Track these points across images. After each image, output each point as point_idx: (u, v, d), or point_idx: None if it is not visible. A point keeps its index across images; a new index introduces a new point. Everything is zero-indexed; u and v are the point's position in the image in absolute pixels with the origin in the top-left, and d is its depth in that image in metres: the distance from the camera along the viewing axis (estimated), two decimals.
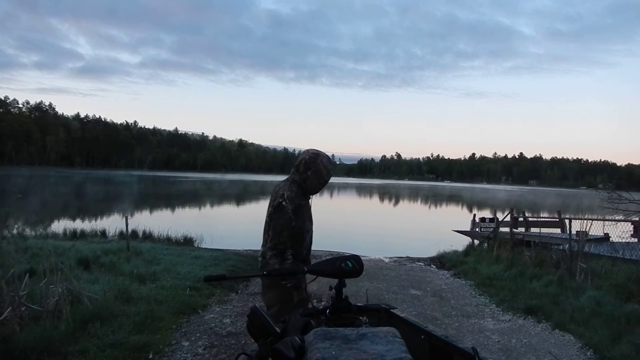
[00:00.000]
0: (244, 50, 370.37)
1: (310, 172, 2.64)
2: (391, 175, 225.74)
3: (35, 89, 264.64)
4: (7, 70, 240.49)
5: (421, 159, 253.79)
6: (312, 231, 2.77)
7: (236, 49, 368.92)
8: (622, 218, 9.92)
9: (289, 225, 2.54)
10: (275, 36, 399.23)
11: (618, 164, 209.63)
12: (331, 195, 58.65)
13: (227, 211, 29.95)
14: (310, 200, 2.77)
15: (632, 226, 12.09)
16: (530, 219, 15.86)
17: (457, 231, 16.60)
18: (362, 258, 1.91)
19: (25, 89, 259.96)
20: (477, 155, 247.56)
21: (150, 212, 24.19)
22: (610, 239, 12.07)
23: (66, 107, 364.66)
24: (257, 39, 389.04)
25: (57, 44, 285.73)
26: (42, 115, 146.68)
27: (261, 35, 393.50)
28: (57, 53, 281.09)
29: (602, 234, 12.51)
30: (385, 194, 65.96)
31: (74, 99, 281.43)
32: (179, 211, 27.06)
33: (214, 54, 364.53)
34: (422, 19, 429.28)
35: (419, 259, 10.45)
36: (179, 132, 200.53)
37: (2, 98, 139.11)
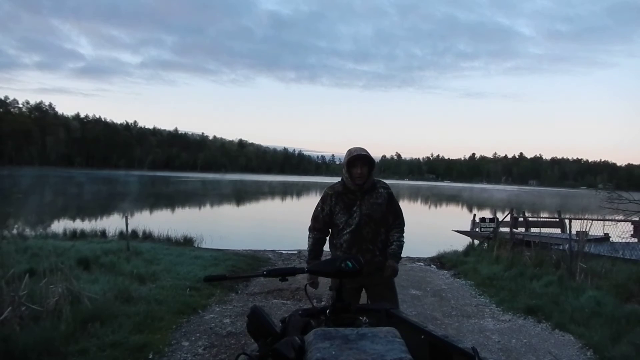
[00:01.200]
0: (244, 51, 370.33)
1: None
2: (391, 175, 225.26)
3: (37, 89, 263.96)
4: (8, 71, 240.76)
5: (421, 159, 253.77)
6: (353, 226, 2.84)
7: (237, 50, 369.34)
8: (622, 218, 9.93)
9: (315, 209, 2.99)
10: (276, 37, 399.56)
11: (618, 164, 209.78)
12: None
13: (227, 211, 29.94)
14: (373, 197, 2.89)
15: (632, 226, 12.09)
16: (530, 219, 15.85)
17: (457, 231, 16.60)
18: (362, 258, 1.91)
19: (27, 89, 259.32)
20: (477, 155, 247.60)
21: (150, 212, 24.19)
22: (610, 239, 12.07)
23: (67, 107, 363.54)
24: (258, 40, 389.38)
25: (58, 44, 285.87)
26: (42, 115, 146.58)
27: (262, 36, 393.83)
28: (58, 53, 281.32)
29: (602, 234, 12.51)
30: None
31: (75, 99, 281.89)
32: (179, 211, 27.06)
33: (214, 54, 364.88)
34: (422, 20, 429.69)
35: (418, 259, 10.44)
36: (179, 132, 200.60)
37: (2, 98, 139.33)
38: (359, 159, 2.80)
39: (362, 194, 2.86)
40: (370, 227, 2.86)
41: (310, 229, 3.00)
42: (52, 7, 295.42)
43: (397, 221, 3.00)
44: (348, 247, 2.85)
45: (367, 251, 2.83)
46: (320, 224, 2.96)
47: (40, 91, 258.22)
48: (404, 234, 3.01)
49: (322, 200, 2.94)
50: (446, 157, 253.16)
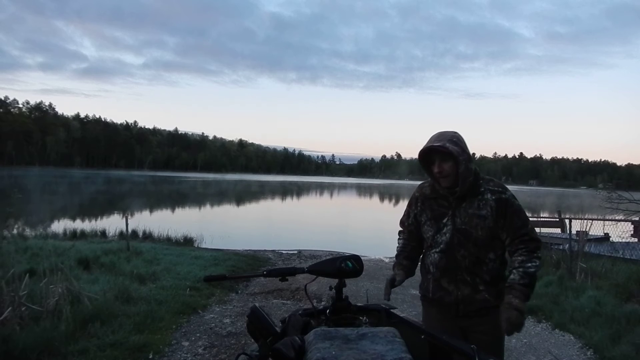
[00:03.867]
0: (246, 52, 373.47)
1: None
2: (391, 175, 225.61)
3: (39, 90, 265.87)
4: (11, 72, 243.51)
5: None
6: (442, 245, 2.02)
7: (239, 51, 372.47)
8: (622, 218, 9.92)
9: (404, 212, 2.26)
10: (278, 38, 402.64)
11: (618, 164, 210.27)
12: (331, 196, 58.62)
13: (227, 211, 29.93)
14: (458, 204, 2.01)
15: (632, 226, 12.09)
16: (530, 219, 15.83)
17: None
18: (362, 258, 1.91)
19: (29, 89, 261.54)
20: (477, 155, 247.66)
21: (150, 212, 24.17)
22: (611, 238, 12.06)
23: (69, 108, 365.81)
24: (260, 41, 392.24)
25: (61, 45, 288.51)
26: (42, 115, 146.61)
27: (264, 37, 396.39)
28: (61, 54, 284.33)
29: (602, 233, 12.51)
30: (385, 193, 65.95)
31: (77, 99, 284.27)
32: (179, 211, 27.04)
33: (216, 55, 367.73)
34: (422, 22, 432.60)
35: None
36: (179, 132, 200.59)
37: (2, 98, 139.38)
38: (435, 151, 1.95)
39: (457, 200, 2.00)
40: (467, 250, 1.97)
41: (398, 233, 2.30)
42: (56, 8, 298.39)
43: (520, 235, 1.96)
44: (439, 274, 2.04)
45: (464, 283, 1.98)
46: (406, 232, 2.24)
47: (42, 92, 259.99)
48: (537, 257, 1.94)
49: (409, 204, 2.23)
50: None
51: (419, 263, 2.21)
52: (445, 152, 1.92)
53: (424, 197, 2.12)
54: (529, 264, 1.90)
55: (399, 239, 2.27)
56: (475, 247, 1.96)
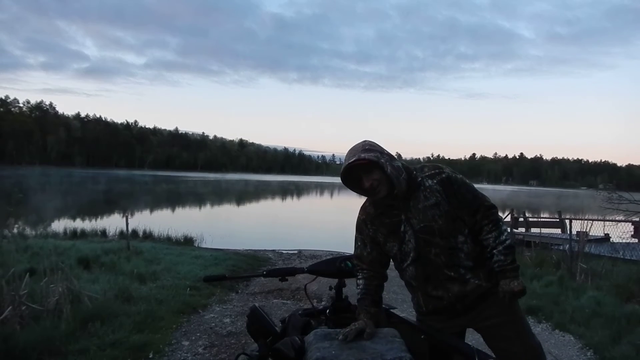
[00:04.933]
0: (248, 52, 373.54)
1: None
2: None
3: (41, 89, 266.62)
4: (13, 71, 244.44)
5: (422, 159, 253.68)
6: (412, 254, 1.88)
7: (240, 51, 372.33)
8: (623, 218, 9.92)
9: (355, 244, 2.01)
10: (279, 39, 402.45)
11: (618, 165, 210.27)
12: (331, 195, 58.61)
13: (227, 211, 29.94)
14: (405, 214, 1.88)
15: (633, 227, 12.09)
16: (530, 219, 15.85)
17: None
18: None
19: (31, 89, 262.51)
20: (478, 156, 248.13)
21: (151, 212, 24.18)
22: (611, 239, 12.07)
23: (70, 108, 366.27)
24: (261, 42, 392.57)
25: (63, 45, 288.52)
26: (43, 114, 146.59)
27: (265, 38, 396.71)
28: (63, 54, 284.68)
29: (602, 234, 12.51)
30: None
31: (78, 99, 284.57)
32: (180, 211, 27.05)
33: (218, 55, 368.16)
34: (424, 22, 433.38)
35: None
36: (180, 132, 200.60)
37: (3, 97, 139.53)
38: (355, 169, 1.82)
39: (403, 202, 1.88)
40: (437, 246, 1.86)
41: (357, 271, 1.98)
42: (59, 9, 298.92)
43: (481, 212, 1.91)
44: (423, 285, 1.93)
45: (450, 281, 1.87)
46: (366, 268, 1.95)
47: (44, 91, 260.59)
48: (502, 226, 1.92)
49: (359, 231, 2.00)
50: (447, 157, 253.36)
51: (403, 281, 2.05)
52: (364, 163, 1.79)
53: (372, 217, 1.95)
54: (503, 237, 1.88)
55: (358, 277, 1.96)
56: (443, 239, 1.85)
